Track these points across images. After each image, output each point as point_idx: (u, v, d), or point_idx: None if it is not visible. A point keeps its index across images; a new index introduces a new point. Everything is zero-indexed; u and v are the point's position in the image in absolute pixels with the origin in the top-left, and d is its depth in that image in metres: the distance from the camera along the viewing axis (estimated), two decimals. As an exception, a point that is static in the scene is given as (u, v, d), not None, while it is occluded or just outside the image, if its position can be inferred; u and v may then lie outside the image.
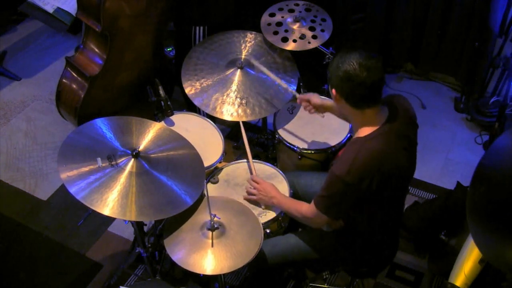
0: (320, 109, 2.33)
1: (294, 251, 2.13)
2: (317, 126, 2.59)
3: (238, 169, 2.41)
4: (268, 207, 2.20)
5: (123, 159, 1.96)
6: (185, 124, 2.50)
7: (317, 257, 2.12)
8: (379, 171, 1.77)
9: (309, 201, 2.30)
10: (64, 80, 2.68)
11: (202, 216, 2.00)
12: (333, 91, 1.81)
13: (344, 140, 2.49)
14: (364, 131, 1.82)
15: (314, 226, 2.03)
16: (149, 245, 2.33)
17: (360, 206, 1.88)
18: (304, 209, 2.00)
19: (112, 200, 1.84)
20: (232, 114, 2.47)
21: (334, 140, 2.50)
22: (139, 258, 2.69)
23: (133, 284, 2.65)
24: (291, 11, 2.73)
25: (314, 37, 2.61)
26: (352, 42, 3.55)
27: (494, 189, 1.71)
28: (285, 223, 2.25)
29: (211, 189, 2.30)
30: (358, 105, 1.79)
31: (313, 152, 2.49)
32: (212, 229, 1.92)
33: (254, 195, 2.21)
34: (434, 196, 3.05)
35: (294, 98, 2.63)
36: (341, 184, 1.78)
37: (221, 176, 2.37)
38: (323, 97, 2.36)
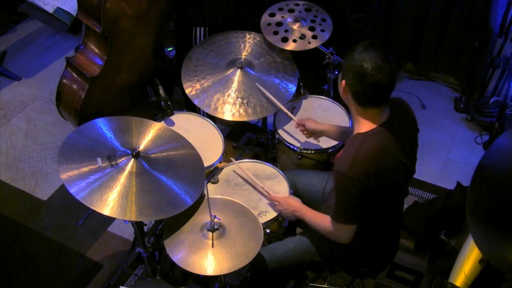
0: (314, 133, 2.32)
1: (294, 254, 2.12)
2: (317, 126, 2.59)
3: (238, 169, 2.41)
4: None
5: (123, 159, 1.96)
6: (185, 124, 2.50)
7: (317, 260, 2.11)
8: (380, 167, 1.76)
9: (309, 200, 2.31)
10: (64, 81, 2.68)
11: (202, 217, 2.00)
12: (343, 82, 1.80)
13: (344, 140, 2.49)
14: (365, 127, 1.81)
15: (342, 240, 1.94)
16: (149, 245, 2.33)
17: (365, 205, 1.86)
18: (329, 224, 1.93)
19: (112, 200, 1.84)
20: (233, 114, 2.47)
21: (333, 140, 2.49)
22: (139, 258, 2.69)
23: (133, 284, 2.64)
24: (291, 11, 2.73)
25: (314, 37, 2.61)
26: (351, 43, 3.55)
27: (494, 189, 1.72)
28: (285, 223, 2.25)
29: (211, 189, 2.30)
30: (364, 104, 1.79)
31: (313, 152, 2.49)
32: (212, 230, 1.92)
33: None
34: (434, 196, 3.05)
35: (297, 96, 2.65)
36: (347, 181, 1.76)
37: (221, 176, 2.37)
38: (317, 122, 2.33)
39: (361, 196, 1.79)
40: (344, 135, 2.25)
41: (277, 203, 2.17)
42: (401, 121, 1.87)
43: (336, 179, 1.81)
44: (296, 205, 2.11)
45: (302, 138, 2.51)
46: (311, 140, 2.40)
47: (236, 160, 2.40)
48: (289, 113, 2.47)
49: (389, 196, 1.91)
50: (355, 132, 1.85)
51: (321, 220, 1.98)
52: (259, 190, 2.28)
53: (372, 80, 1.70)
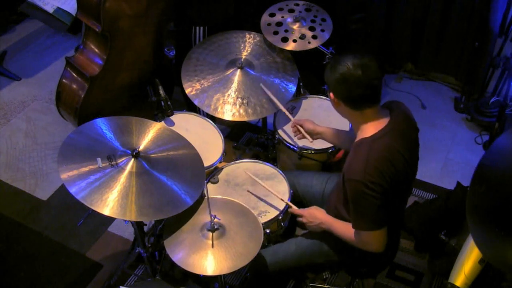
0: (312, 135, 2.31)
1: (295, 257, 2.12)
2: (317, 126, 2.59)
3: (238, 169, 2.41)
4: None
5: (123, 159, 1.96)
6: (185, 124, 2.50)
7: (319, 262, 2.11)
8: (392, 168, 1.76)
9: (309, 201, 2.31)
10: (64, 81, 2.68)
11: (202, 217, 2.00)
12: (331, 95, 1.82)
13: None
14: (368, 132, 1.82)
15: (375, 248, 1.89)
16: (149, 245, 2.33)
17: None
18: (356, 234, 1.90)
19: (112, 200, 1.84)
20: (234, 114, 2.47)
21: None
22: (139, 258, 2.69)
23: (133, 284, 2.65)
24: (291, 11, 2.73)
25: (314, 37, 2.61)
26: (351, 43, 3.55)
27: (494, 189, 1.72)
28: (285, 223, 2.25)
29: (211, 189, 2.30)
30: (357, 106, 1.79)
31: (313, 152, 2.49)
32: (212, 230, 1.92)
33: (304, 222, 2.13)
34: (434, 196, 3.05)
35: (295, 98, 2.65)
36: (363, 187, 1.74)
37: (221, 176, 2.37)
38: (315, 124, 2.32)
39: (381, 198, 1.77)
40: (340, 138, 2.25)
41: (301, 216, 2.13)
42: (402, 122, 1.87)
43: (352, 187, 1.79)
44: (321, 217, 2.06)
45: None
46: (305, 141, 2.39)
47: (236, 160, 2.40)
48: (288, 115, 2.47)
49: (399, 196, 1.91)
50: (359, 138, 1.84)
51: (350, 231, 1.92)
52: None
53: (354, 78, 1.72)
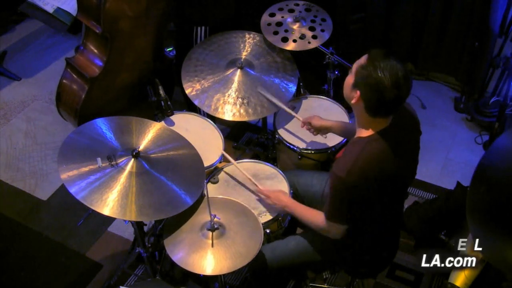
0: (321, 131, 2.33)
1: (294, 254, 2.12)
2: (317, 126, 2.59)
3: (238, 169, 2.41)
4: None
5: (123, 159, 1.96)
6: (185, 124, 2.50)
7: (318, 260, 2.11)
8: (380, 173, 1.76)
9: (309, 201, 2.31)
10: (64, 81, 2.68)
11: (202, 216, 2.00)
12: (358, 93, 1.75)
13: (344, 141, 2.49)
14: (367, 132, 1.82)
15: (332, 237, 1.96)
16: (149, 245, 2.33)
17: (363, 207, 1.87)
18: (321, 220, 1.95)
19: (112, 200, 1.84)
20: (234, 114, 2.47)
21: (334, 140, 2.49)
22: (139, 258, 2.69)
23: (133, 284, 2.65)
24: (291, 11, 2.73)
25: (314, 37, 2.61)
26: (351, 43, 3.55)
27: (494, 189, 1.72)
28: (285, 223, 2.25)
29: (211, 189, 2.30)
30: (375, 114, 1.78)
31: (313, 152, 2.49)
32: (212, 229, 1.92)
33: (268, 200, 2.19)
34: (434, 196, 3.05)
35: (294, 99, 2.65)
36: (342, 185, 1.77)
37: (221, 176, 2.37)
38: (323, 119, 2.33)
39: (354, 201, 1.80)
40: (349, 132, 2.24)
41: (265, 197, 2.17)
42: (403, 124, 1.86)
43: (333, 180, 1.82)
44: (286, 201, 2.12)
45: (303, 137, 2.52)
46: (319, 137, 2.40)
47: (236, 160, 2.40)
48: (293, 113, 2.48)
49: (388, 199, 1.91)
50: (357, 135, 1.85)
51: (313, 216, 2.00)
52: (251, 187, 2.26)
53: (391, 96, 1.69)
